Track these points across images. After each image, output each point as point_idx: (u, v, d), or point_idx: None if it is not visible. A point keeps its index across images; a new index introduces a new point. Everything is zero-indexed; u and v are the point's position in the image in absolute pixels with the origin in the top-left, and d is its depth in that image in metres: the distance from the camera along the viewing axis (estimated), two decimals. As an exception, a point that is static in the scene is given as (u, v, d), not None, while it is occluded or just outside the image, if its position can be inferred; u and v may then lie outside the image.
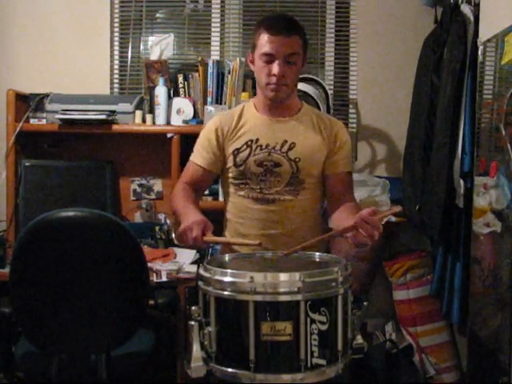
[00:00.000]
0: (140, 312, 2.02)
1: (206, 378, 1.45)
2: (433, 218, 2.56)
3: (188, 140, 2.87)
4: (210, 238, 1.71)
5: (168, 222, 3.00)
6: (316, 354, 1.39)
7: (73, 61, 3.15)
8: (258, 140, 1.92)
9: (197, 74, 2.98)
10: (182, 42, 3.24)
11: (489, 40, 2.28)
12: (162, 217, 3.04)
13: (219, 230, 1.94)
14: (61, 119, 2.84)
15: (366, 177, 3.00)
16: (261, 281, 1.38)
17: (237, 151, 1.93)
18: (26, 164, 2.91)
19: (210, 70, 2.94)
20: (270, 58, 1.82)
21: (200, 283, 1.49)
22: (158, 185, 3.11)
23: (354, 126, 3.16)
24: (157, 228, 2.93)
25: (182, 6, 3.22)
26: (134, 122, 2.90)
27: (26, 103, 2.93)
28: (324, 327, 1.40)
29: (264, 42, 1.82)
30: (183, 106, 2.95)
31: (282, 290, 1.38)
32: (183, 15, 3.23)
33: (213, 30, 3.22)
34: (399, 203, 2.82)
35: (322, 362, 1.40)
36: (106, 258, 1.94)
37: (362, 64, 3.16)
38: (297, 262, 1.68)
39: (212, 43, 3.22)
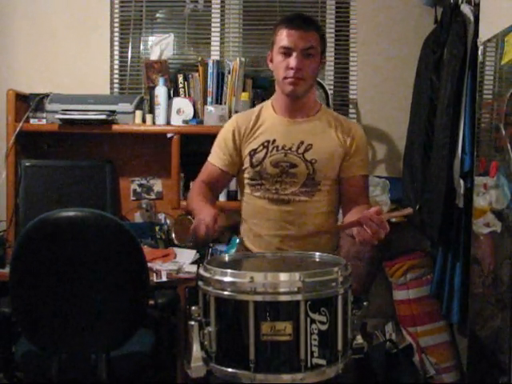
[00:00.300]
0: (140, 312, 2.01)
1: (206, 378, 1.45)
2: (433, 218, 2.56)
3: (188, 140, 2.89)
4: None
5: (168, 221, 3.00)
6: (316, 354, 1.39)
7: (73, 61, 3.15)
8: (274, 141, 1.92)
9: (197, 74, 2.98)
10: (182, 42, 3.24)
11: (489, 40, 2.28)
12: (162, 217, 3.04)
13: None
14: (61, 119, 2.84)
15: (366, 177, 3.00)
16: (261, 281, 1.38)
17: (253, 152, 1.94)
18: (26, 164, 2.90)
19: (209, 70, 2.94)
20: (287, 51, 1.84)
21: (200, 283, 1.48)
22: (157, 185, 3.11)
23: (354, 126, 3.16)
24: (157, 228, 2.94)
25: (182, 5, 3.22)
26: (133, 122, 2.90)
27: (26, 103, 2.92)
28: (324, 327, 1.40)
29: (282, 36, 1.85)
30: (183, 106, 2.95)
31: (282, 289, 1.38)
32: (183, 15, 3.22)
33: (213, 30, 3.22)
34: (399, 203, 2.83)
35: (322, 362, 1.40)
36: (105, 258, 1.93)
37: (361, 64, 3.16)
38: (297, 262, 1.68)
39: (212, 43, 3.22)
